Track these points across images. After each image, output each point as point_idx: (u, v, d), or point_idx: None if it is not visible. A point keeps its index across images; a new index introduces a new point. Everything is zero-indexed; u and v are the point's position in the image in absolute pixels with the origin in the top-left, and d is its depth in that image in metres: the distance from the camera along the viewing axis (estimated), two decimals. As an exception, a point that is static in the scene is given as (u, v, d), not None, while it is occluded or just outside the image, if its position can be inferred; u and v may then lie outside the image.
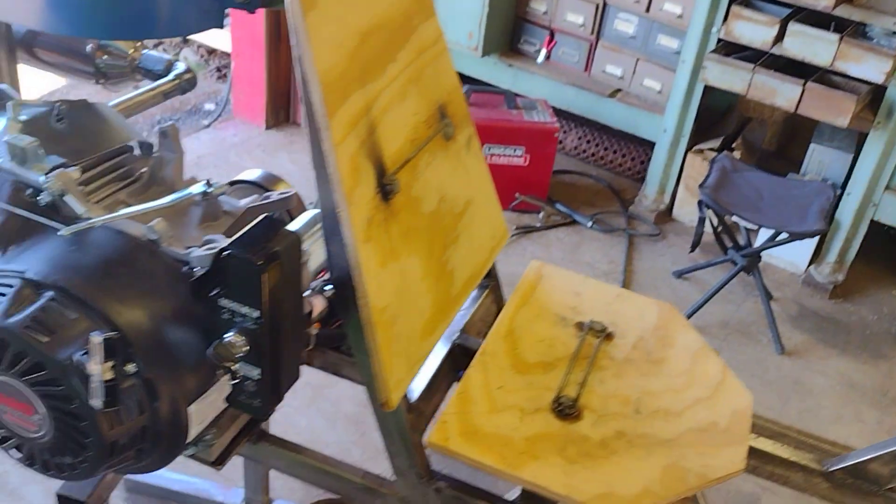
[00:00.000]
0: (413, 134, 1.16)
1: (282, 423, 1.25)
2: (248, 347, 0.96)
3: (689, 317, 3.03)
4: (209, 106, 4.16)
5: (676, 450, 1.11)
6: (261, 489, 2.17)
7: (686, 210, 3.68)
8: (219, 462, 1.19)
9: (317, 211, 1.25)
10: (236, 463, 1.16)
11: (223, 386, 1.10)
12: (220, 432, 1.18)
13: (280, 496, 2.23)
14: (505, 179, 3.51)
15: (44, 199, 1.09)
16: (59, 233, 1.01)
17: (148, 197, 1.24)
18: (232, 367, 0.95)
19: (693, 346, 1.29)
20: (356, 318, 1.05)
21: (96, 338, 0.89)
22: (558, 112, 3.68)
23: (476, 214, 1.32)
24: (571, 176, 3.92)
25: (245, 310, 0.94)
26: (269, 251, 0.93)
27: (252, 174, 1.36)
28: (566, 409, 1.15)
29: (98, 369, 0.89)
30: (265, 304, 0.93)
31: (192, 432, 1.07)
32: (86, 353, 0.93)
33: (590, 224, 3.57)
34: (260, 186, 1.36)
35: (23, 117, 1.15)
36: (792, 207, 2.95)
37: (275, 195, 1.15)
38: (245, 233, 0.96)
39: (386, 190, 1.08)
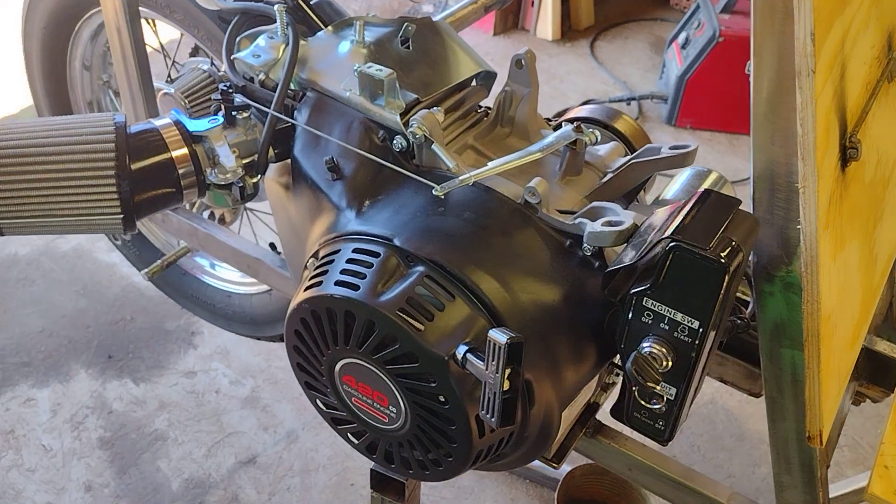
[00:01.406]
0: (867, 75, 0.86)
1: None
2: (670, 362, 0.73)
3: None
4: (427, 7, 3.91)
5: None
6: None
7: None
8: (557, 459, 1.01)
9: (699, 169, 0.99)
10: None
11: (591, 384, 0.90)
12: (559, 423, 0.99)
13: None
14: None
15: (399, 143, 0.91)
16: (433, 191, 0.82)
17: (493, 140, 1.03)
18: (654, 388, 0.74)
19: None
20: (789, 326, 0.80)
21: (498, 338, 0.69)
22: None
23: (898, 178, 1.01)
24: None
25: (679, 317, 0.71)
26: (730, 245, 0.68)
27: (587, 108, 1.12)
28: None
29: (497, 378, 0.70)
30: (714, 315, 0.69)
31: (557, 438, 0.88)
32: (472, 350, 0.75)
33: None
34: (600, 123, 1.11)
35: (369, 40, 0.96)
36: None
37: (665, 149, 0.90)
38: (693, 215, 0.72)
39: (847, 155, 0.80)
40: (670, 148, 0.91)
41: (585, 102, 3.35)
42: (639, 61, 3.74)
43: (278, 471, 2.00)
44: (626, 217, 0.79)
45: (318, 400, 0.92)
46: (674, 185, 0.97)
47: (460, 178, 0.84)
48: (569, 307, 0.81)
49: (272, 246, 1.69)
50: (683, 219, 0.71)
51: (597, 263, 0.83)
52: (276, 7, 0.95)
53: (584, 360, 0.82)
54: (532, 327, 0.80)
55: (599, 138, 0.95)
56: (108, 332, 2.31)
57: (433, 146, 0.86)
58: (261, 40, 0.98)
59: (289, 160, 0.97)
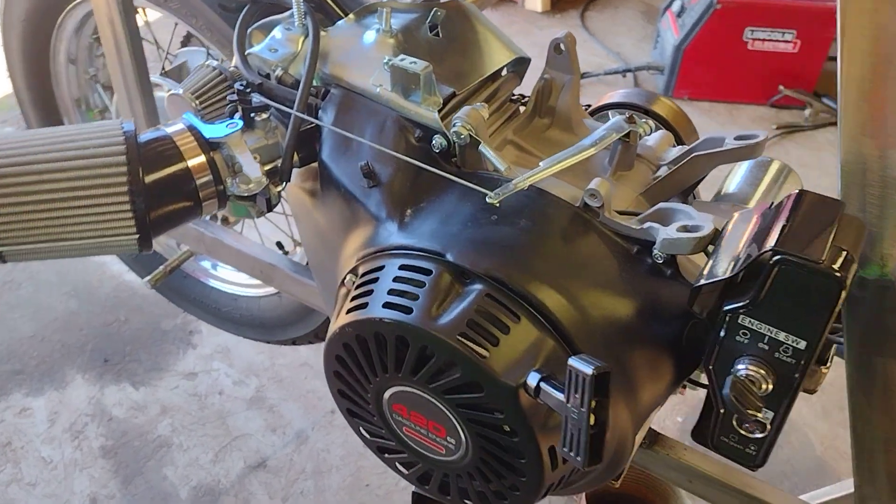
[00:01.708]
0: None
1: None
2: (770, 385, 0.66)
3: None
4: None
5: None
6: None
7: None
8: (616, 477, 0.94)
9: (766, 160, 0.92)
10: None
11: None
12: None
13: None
14: (767, 69, 3.02)
15: (439, 144, 0.82)
16: (487, 199, 0.74)
17: (533, 133, 0.94)
18: (756, 415, 0.66)
19: None
20: (882, 334, 0.73)
21: (582, 368, 0.61)
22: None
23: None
24: (846, 65, 3.33)
25: (782, 336, 0.64)
26: (842, 255, 0.61)
27: (621, 93, 1.03)
28: None
29: (582, 413, 0.63)
30: (824, 333, 0.62)
31: (627, 460, 0.81)
32: (545, 378, 0.67)
33: (867, 124, 3.02)
34: (639, 108, 1.03)
35: (395, 28, 0.87)
36: None
37: (730, 139, 0.83)
38: (793, 222, 0.64)
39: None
40: (735, 138, 0.83)
41: (582, 76, 3.26)
42: (631, 31, 3.65)
43: (290, 474, 1.93)
44: (705, 221, 0.71)
45: (361, 428, 0.85)
46: (734, 177, 0.90)
47: (514, 182, 0.75)
48: (643, 322, 0.74)
49: (279, 245, 1.60)
50: (783, 227, 0.63)
51: (669, 272, 0.75)
52: (293, -5, 0.86)
53: (661, 380, 0.75)
54: (604, 346, 0.72)
55: (653, 129, 0.87)
56: (102, 335, 2.22)
57: (480, 147, 0.78)
58: (276, 32, 0.88)
59: (313, 164, 0.88)
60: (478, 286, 0.72)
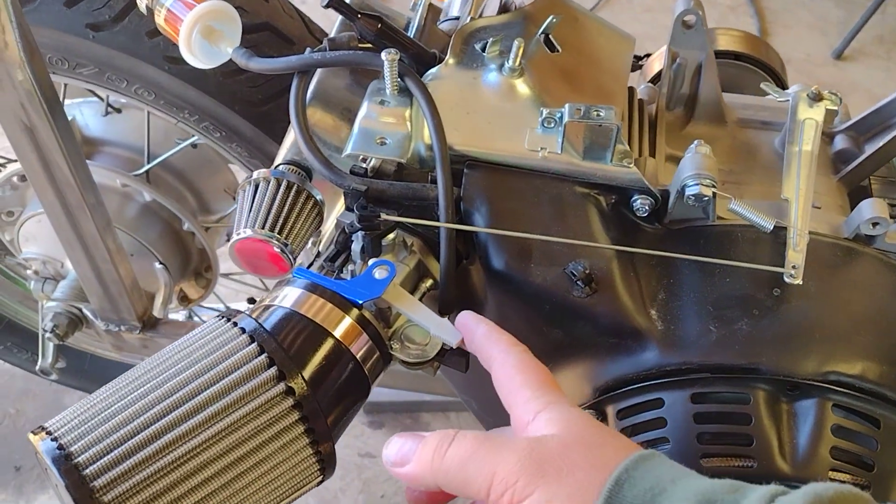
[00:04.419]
0: None
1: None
2: None
3: (846, 46, 2.60)
4: None
5: None
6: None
7: None
8: None
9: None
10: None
11: None
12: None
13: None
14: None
15: (644, 206, 0.61)
16: (787, 278, 0.55)
17: (672, 134, 0.74)
18: None
19: None
20: None
21: None
22: None
23: None
24: None
25: None
26: None
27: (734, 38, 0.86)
28: None
29: None
30: None
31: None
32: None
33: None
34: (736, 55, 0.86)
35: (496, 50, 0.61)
36: None
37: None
38: None
39: None
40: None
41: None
42: None
43: None
44: None
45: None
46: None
47: (794, 244, 0.57)
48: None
49: (251, 301, 1.32)
50: None
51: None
52: (384, 56, 0.57)
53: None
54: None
55: (841, 99, 0.70)
56: (-3, 439, 1.81)
57: (732, 205, 0.57)
58: (369, 110, 0.60)
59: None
60: (812, 398, 0.55)
